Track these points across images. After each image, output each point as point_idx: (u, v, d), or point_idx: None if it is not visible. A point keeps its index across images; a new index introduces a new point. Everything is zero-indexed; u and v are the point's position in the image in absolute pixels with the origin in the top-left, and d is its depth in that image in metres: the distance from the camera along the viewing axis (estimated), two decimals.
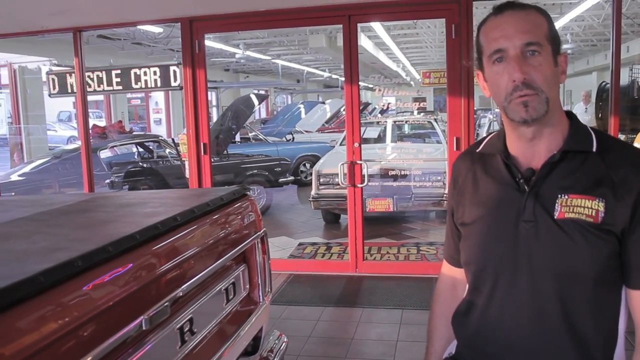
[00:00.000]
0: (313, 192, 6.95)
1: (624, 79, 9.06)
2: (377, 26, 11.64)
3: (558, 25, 11.60)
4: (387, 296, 4.53)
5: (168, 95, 18.84)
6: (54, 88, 6.23)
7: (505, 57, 1.28)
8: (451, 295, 1.59)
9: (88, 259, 1.30)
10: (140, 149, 9.22)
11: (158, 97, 19.71)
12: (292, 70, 22.19)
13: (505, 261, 1.35)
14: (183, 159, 6.36)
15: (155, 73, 5.78)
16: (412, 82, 22.04)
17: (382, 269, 5.21)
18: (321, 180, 6.89)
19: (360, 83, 5.04)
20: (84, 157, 5.58)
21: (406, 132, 9.78)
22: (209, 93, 5.48)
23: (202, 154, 5.25)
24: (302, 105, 15.26)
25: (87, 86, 5.67)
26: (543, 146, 1.34)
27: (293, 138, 13.35)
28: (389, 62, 18.51)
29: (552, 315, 1.30)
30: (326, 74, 24.30)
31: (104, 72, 5.91)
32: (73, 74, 5.85)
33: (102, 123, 14.23)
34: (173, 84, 5.73)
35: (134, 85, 5.93)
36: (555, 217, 1.29)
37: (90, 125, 6.58)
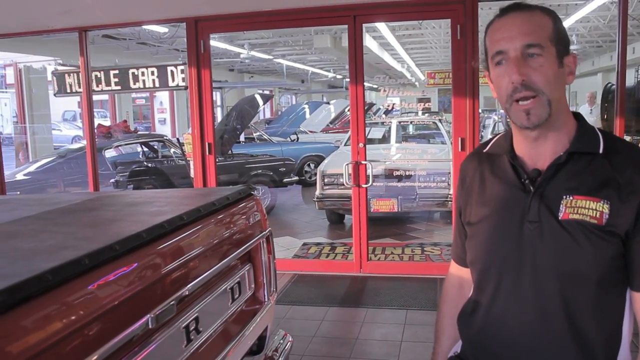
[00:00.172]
0: (317, 192, 6.95)
1: (630, 80, 9.04)
2: (382, 26, 11.62)
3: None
4: (391, 296, 4.53)
5: (172, 95, 18.85)
6: (59, 87, 6.24)
7: (506, 59, 1.29)
8: (458, 294, 1.60)
9: (95, 258, 1.30)
10: (145, 149, 9.24)
11: (162, 97, 19.74)
12: (297, 71, 22.18)
13: (509, 261, 1.35)
14: (188, 158, 6.38)
15: (153, 73, 5.78)
16: (416, 83, 22.03)
17: (386, 270, 5.20)
18: (326, 180, 6.89)
19: (365, 83, 5.04)
20: (89, 157, 5.60)
21: (411, 133, 9.77)
22: (213, 93, 5.48)
23: (207, 153, 5.26)
24: (306, 106, 15.25)
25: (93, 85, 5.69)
26: (549, 147, 1.34)
27: (297, 138, 13.34)
28: (394, 63, 18.48)
29: (555, 315, 1.30)
30: (331, 75, 24.28)
31: (102, 72, 5.89)
32: (73, 74, 5.87)
33: (107, 123, 14.27)
34: (171, 83, 5.72)
35: (132, 86, 5.91)
36: (559, 218, 1.29)
37: (95, 124, 6.59)
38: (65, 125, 23.33)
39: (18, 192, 7.52)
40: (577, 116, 1.40)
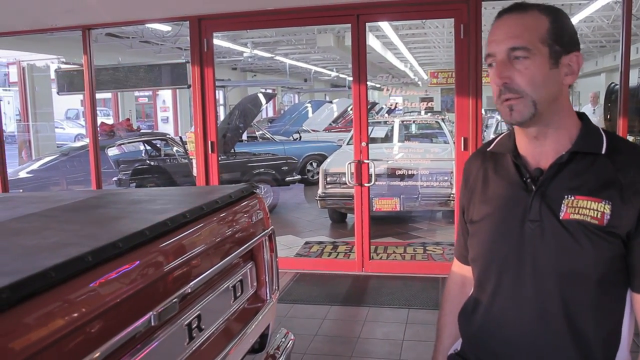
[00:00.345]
0: (320, 191, 6.95)
1: (633, 80, 9.00)
2: (385, 26, 11.63)
3: None
4: (393, 295, 4.53)
5: (175, 93, 18.88)
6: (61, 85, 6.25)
7: (495, 61, 1.31)
8: (460, 292, 1.60)
9: (98, 255, 1.30)
10: (148, 147, 9.25)
11: (165, 95, 19.77)
12: (300, 70, 22.18)
13: (510, 259, 1.36)
14: (190, 157, 6.37)
15: (148, 72, 5.78)
16: (419, 82, 22.03)
17: (388, 269, 5.20)
18: (328, 179, 6.89)
19: (367, 82, 5.04)
20: (92, 155, 5.60)
21: (413, 132, 9.77)
22: (216, 91, 5.49)
23: (210, 152, 5.26)
24: (309, 105, 15.25)
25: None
26: (550, 146, 1.34)
27: (300, 137, 13.34)
28: (397, 62, 18.50)
29: (554, 314, 1.31)
30: (334, 74, 24.30)
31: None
32: (74, 73, 5.88)
33: (109, 121, 14.28)
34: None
35: (128, 85, 5.93)
36: (560, 218, 1.29)
37: (98, 123, 6.60)
38: (68, 123, 23.36)
39: (21, 190, 7.53)
40: (582, 116, 1.39)
